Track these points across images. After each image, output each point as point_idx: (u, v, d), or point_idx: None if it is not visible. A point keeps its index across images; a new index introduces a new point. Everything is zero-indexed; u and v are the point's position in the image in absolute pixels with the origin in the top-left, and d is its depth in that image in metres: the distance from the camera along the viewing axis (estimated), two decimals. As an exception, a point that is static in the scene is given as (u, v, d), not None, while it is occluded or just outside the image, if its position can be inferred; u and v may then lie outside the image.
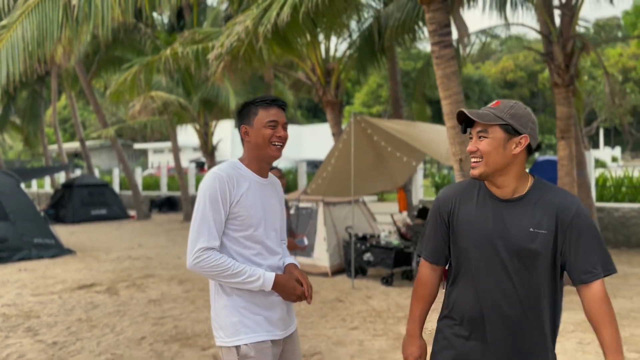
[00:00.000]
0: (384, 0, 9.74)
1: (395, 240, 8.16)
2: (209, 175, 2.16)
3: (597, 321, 1.82)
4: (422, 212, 8.92)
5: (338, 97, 10.33)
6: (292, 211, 8.35)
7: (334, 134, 10.38)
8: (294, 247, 3.60)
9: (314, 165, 26.93)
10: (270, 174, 2.35)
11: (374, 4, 9.93)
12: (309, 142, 38.75)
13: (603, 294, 1.82)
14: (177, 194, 20.79)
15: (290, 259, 2.36)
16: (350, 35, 10.73)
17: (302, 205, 8.62)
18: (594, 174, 10.81)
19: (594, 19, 65.57)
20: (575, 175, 7.22)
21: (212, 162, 13.96)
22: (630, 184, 11.54)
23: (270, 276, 2.13)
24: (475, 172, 1.85)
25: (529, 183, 1.89)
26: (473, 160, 1.86)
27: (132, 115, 12.41)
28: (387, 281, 7.68)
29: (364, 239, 8.39)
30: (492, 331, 1.87)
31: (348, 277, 8.01)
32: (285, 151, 2.37)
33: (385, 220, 10.28)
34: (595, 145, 46.63)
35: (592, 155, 10.76)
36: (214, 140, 14.18)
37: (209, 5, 12.72)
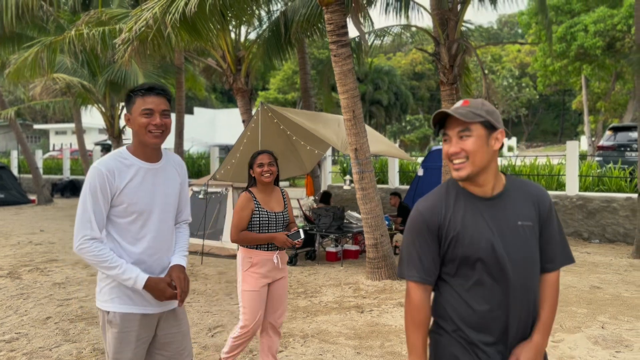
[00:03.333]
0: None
1: (300, 223, 8.68)
2: (90, 170, 2.28)
3: (542, 300, 1.88)
4: (324, 197, 9.52)
5: (248, 84, 10.61)
6: (200, 196, 8.61)
7: (244, 121, 10.67)
8: (287, 243, 3.51)
9: (227, 150, 26.92)
10: (165, 157, 2.44)
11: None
12: (223, 126, 38.46)
13: (556, 281, 1.91)
14: (80, 177, 20.05)
15: (178, 258, 2.46)
16: (260, 24, 11.01)
17: (211, 190, 8.89)
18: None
19: (497, 16, 70.01)
20: (457, 164, 8.08)
21: (119, 146, 13.71)
22: (514, 172, 12.87)
23: (143, 278, 2.27)
24: (462, 173, 1.78)
25: (503, 179, 1.88)
26: (456, 161, 1.78)
27: (32, 97, 11.90)
28: (291, 261, 8.20)
29: (270, 221, 8.82)
30: (510, 332, 1.82)
31: (254, 258, 8.41)
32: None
33: (294, 204, 10.80)
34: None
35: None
36: (122, 122, 13.91)
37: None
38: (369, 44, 9.69)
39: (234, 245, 8.64)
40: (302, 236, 3.59)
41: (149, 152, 2.34)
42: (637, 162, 8.46)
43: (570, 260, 1.92)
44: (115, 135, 13.53)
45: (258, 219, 3.60)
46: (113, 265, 2.24)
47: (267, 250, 3.63)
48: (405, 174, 13.88)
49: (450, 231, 1.82)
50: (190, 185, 9.75)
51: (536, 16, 23.37)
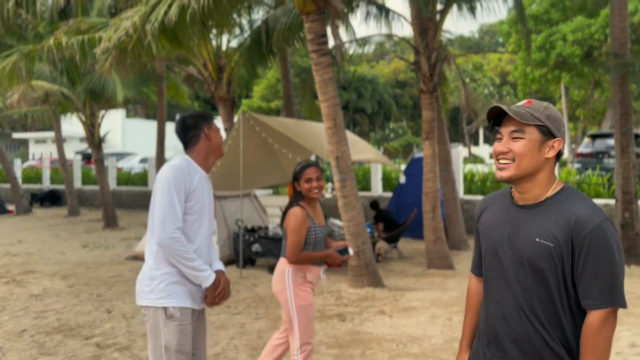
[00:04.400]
0: (274, 3, 10.15)
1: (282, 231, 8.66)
2: (171, 167, 2.55)
3: (582, 349, 1.65)
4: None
5: (230, 93, 10.59)
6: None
7: (226, 129, 10.64)
8: (336, 264, 3.35)
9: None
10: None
11: (264, 5, 10.29)
12: (206, 134, 38.20)
13: (596, 326, 1.61)
14: (60, 187, 19.76)
15: (219, 264, 2.80)
16: (242, 32, 11.01)
17: (192, 198, 8.82)
18: (461, 169, 12.05)
19: (478, 26, 71.03)
20: (437, 172, 8.15)
21: (99, 155, 13.56)
22: (493, 179, 13.01)
23: (213, 275, 2.59)
24: (504, 174, 1.71)
25: (554, 190, 1.73)
26: (502, 162, 1.71)
27: (10, 105, 11.73)
28: (274, 269, 8.15)
29: (252, 230, 8.79)
30: (504, 345, 1.76)
31: (237, 267, 8.38)
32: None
33: (277, 212, 10.77)
34: (476, 143, 50.76)
35: (459, 152, 11.99)
36: (102, 131, 13.78)
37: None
38: (351, 52, 9.76)
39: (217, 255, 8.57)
40: (351, 252, 3.53)
41: (210, 163, 2.73)
42: (614, 168, 8.61)
43: (612, 303, 1.62)
44: (95, 144, 13.39)
45: (314, 237, 3.44)
46: (194, 258, 2.49)
47: (318, 265, 3.53)
48: (388, 181, 13.94)
49: (479, 227, 1.91)
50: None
51: (516, 25, 23.71)
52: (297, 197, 3.49)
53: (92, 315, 5.94)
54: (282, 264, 3.50)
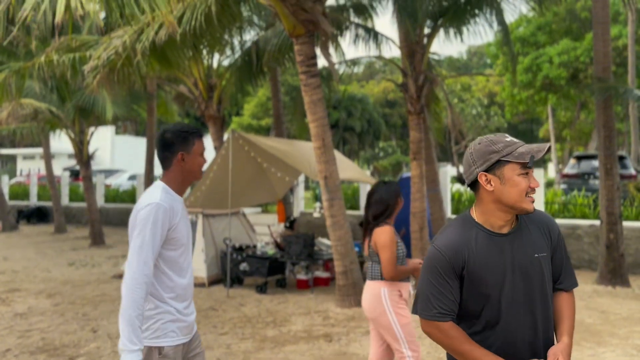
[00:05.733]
0: (265, 24, 10.30)
1: (270, 250, 8.65)
2: (152, 207, 2.34)
3: (562, 313, 2.00)
4: (292, 223, 9.54)
5: (220, 111, 10.66)
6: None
7: (215, 148, 10.67)
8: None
9: (199, 175, 26.70)
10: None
11: (255, 27, 10.43)
12: (196, 152, 38.15)
13: (572, 297, 2.04)
14: (48, 204, 19.59)
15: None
16: (233, 52, 11.11)
17: (180, 217, 8.80)
18: (449, 189, 12.14)
19: (467, 47, 72.09)
20: (425, 192, 8.23)
21: (87, 171, 13.51)
22: (481, 199, 13.12)
23: (137, 357, 2.24)
24: (534, 207, 1.90)
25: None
26: (532, 195, 1.87)
27: (-1, 121, 11.70)
28: (261, 289, 8.13)
29: (240, 249, 8.77)
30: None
31: (224, 286, 8.34)
32: None
33: (266, 231, 10.76)
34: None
35: (447, 172, 12.09)
36: (91, 148, 13.75)
37: (88, 12, 12.39)
38: (340, 72, 9.89)
39: (203, 274, 8.54)
40: None
41: (184, 188, 2.54)
42: (599, 189, 8.73)
43: (575, 283, 2.06)
44: (83, 161, 13.34)
45: (402, 251, 3.55)
46: (138, 323, 2.26)
47: (406, 281, 3.58)
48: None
49: (470, 272, 1.89)
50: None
51: (503, 47, 24.15)
52: (387, 214, 3.57)
53: (77, 335, 5.88)
54: (374, 287, 3.49)
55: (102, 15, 11.74)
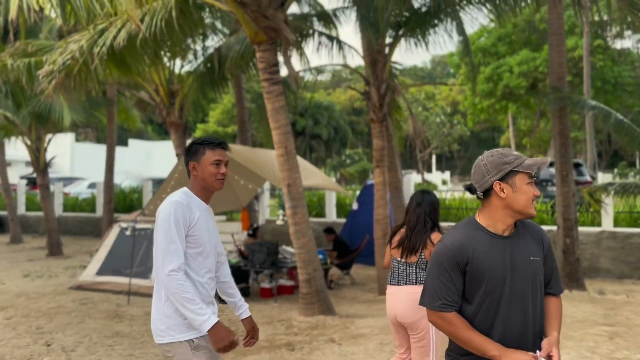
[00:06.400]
0: (228, 31, 10.23)
1: (233, 259, 8.54)
2: (171, 204, 2.53)
3: (551, 314, 2.23)
4: (255, 231, 9.46)
5: (182, 118, 10.51)
6: (128, 232, 8.32)
7: (177, 155, 10.51)
8: None
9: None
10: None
11: (218, 33, 10.35)
12: (159, 159, 37.57)
13: (560, 303, 2.28)
14: (3, 213, 18.88)
15: (246, 310, 2.92)
16: (195, 58, 10.99)
17: (139, 226, 8.61)
18: (413, 196, 12.25)
19: (431, 56, 73.37)
20: (387, 198, 8.29)
21: (45, 180, 13.08)
22: (444, 206, 13.30)
23: (214, 320, 2.47)
24: (536, 212, 2.16)
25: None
26: (535, 203, 2.11)
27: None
28: (223, 299, 8.00)
29: (202, 258, 8.63)
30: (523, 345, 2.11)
31: (186, 296, 8.17)
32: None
33: (229, 239, 10.63)
34: (429, 170, 51.95)
35: (411, 179, 12.24)
36: (49, 155, 13.33)
37: (46, 15, 12.08)
38: (305, 80, 9.89)
39: (164, 283, 8.35)
40: None
41: (208, 195, 2.69)
42: (556, 196, 8.97)
43: (562, 289, 2.32)
44: (40, 169, 12.93)
45: None
46: (194, 299, 2.44)
47: None
48: (342, 208, 14.02)
49: (474, 268, 2.09)
50: (117, 220, 9.42)
51: (465, 57, 24.71)
52: (435, 227, 3.69)
53: (30, 349, 5.66)
54: (418, 291, 3.46)
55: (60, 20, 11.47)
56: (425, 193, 3.81)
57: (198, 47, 10.46)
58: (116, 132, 14.43)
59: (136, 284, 8.35)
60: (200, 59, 10.53)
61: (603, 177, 11.09)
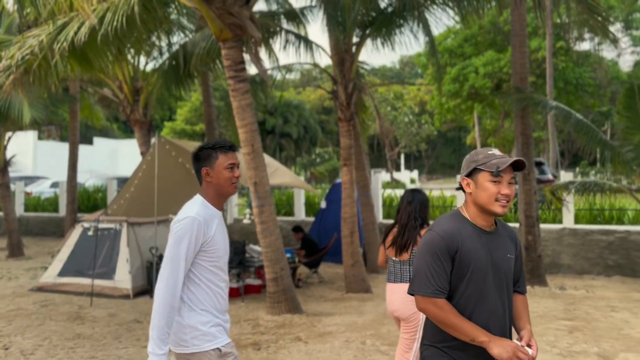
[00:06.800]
0: (194, 27, 10.08)
1: (199, 259, 8.43)
2: (189, 221, 2.46)
3: (522, 310, 2.37)
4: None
5: (147, 116, 10.32)
6: (90, 232, 8.13)
7: (142, 153, 10.32)
8: None
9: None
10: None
11: (183, 30, 10.19)
12: (125, 157, 36.87)
13: (526, 301, 2.43)
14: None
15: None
16: (160, 55, 10.80)
17: (102, 226, 8.42)
18: (380, 195, 12.37)
19: (399, 57, 74.04)
20: (355, 197, 8.33)
21: (5, 179, 12.66)
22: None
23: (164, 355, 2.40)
24: (506, 210, 2.18)
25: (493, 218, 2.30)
26: (503, 201, 2.17)
27: None
28: (190, 299, 7.91)
29: (168, 258, 8.50)
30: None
31: (151, 297, 8.05)
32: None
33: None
34: (398, 168, 52.47)
35: (379, 178, 12.32)
36: (9, 153, 12.91)
37: (5, 9, 11.69)
38: (275, 78, 9.84)
39: (127, 285, 8.21)
40: None
41: (222, 201, 2.64)
42: (518, 194, 9.17)
43: (526, 289, 2.46)
44: (0, 168, 12.51)
45: None
46: (167, 330, 2.41)
47: None
48: (311, 206, 14.03)
49: (461, 256, 2.19)
50: (79, 220, 9.19)
51: (432, 58, 25.03)
52: (426, 223, 3.85)
53: (-16, 355, 5.47)
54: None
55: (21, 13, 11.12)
56: (415, 192, 3.97)
57: (163, 44, 10.27)
58: (80, 130, 14.07)
59: (99, 285, 8.18)
60: (166, 56, 10.35)
61: (565, 176, 11.39)
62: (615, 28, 27.89)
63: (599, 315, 6.75)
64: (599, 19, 7.89)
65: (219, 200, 2.61)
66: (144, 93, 10.06)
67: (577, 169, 32.54)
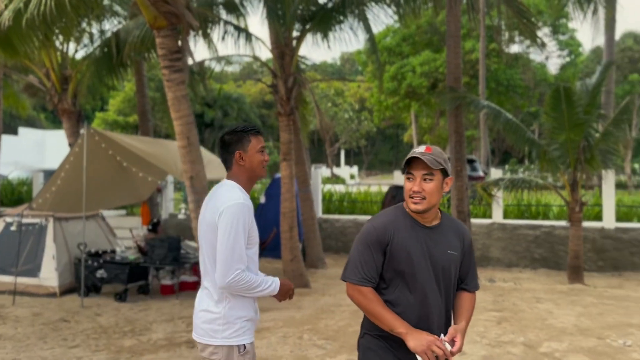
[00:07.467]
0: (128, 14, 9.68)
1: (131, 256, 8.14)
2: (237, 206, 2.44)
3: (463, 307, 2.36)
4: (156, 226, 9.10)
5: (76, 105, 9.82)
6: (13, 227, 7.65)
7: (70, 144, 9.83)
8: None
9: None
10: None
11: (116, 16, 9.77)
12: (53, 149, 34.99)
13: (474, 299, 2.42)
14: None
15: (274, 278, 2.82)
16: (91, 42, 10.30)
17: (27, 221, 7.95)
18: (320, 190, 12.42)
19: (340, 53, 74.54)
20: (294, 192, 8.31)
21: None
22: (350, 199, 13.61)
23: (277, 282, 2.59)
24: (419, 207, 2.20)
25: (439, 214, 2.33)
26: (417, 197, 2.19)
27: None
28: (121, 297, 7.62)
29: (97, 255, 8.15)
30: (431, 330, 2.24)
31: (79, 295, 7.69)
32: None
33: (129, 235, 10.12)
34: (338, 164, 52.94)
35: (318, 173, 12.36)
36: None
37: None
38: (213, 70, 9.62)
39: (54, 283, 7.80)
40: None
41: (252, 185, 2.63)
42: (451, 190, 9.47)
43: (478, 286, 2.46)
44: None
45: None
46: (259, 283, 2.50)
47: None
48: (251, 201, 13.86)
49: (392, 248, 2.21)
50: (1, 215, 8.64)
51: (372, 55, 25.38)
52: None
53: None
54: None
55: None
56: (399, 188, 3.99)
57: (94, 31, 9.79)
58: (4, 120, 13.19)
59: (22, 283, 7.72)
60: (97, 43, 9.87)
61: (495, 173, 11.89)
62: (543, 32, 29.37)
63: (525, 306, 7.09)
64: (528, 23, 8.26)
65: (249, 184, 2.61)
66: (73, 81, 9.55)
67: (507, 167, 34.10)
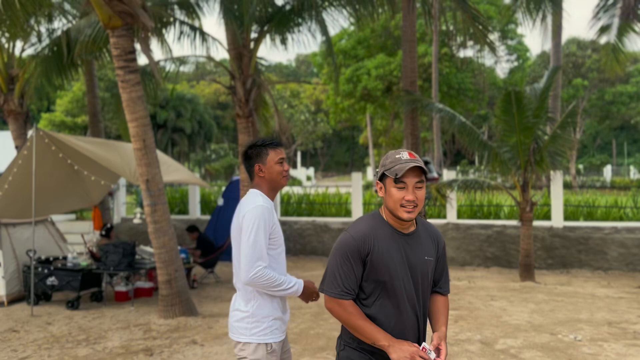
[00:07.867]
0: (79, 13, 9.35)
1: (83, 262, 7.87)
2: (258, 209, 2.60)
3: (439, 311, 2.36)
4: (109, 231, 8.84)
5: (23, 106, 9.41)
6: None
7: (17, 147, 9.41)
8: None
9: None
10: None
11: (67, 15, 9.42)
12: (-4, 152, 33.37)
13: (447, 302, 2.42)
14: None
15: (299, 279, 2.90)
16: (40, 41, 9.89)
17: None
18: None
19: (296, 55, 74.59)
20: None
21: None
22: (308, 201, 13.63)
23: (302, 282, 2.74)
24: (412, 215, 2.14)
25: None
26: (410, 206, 2.11)
27: None
28: (73, 305, 7.36)
29: (47, 261, 7.84)
30: (407, 337, 2.23)
31: (28, 304, 7.37)
32: None
33: (80, 240, 9.78)
34: (294, 166, 52.90)
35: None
36: None
37: None
38: (167, 70, 9.41)
39: (2, 291, 7.46)
40: None
41: (274, 194, 2.78)
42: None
43: (449, 289, 2.47)
44: None
45: None
46: (282, 282, 2.64)
47: None
48: (207, 204, 13.68)
49: (372, 258, 2.16)
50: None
51: (327, 58, 25.49)
52: None
53: None
54: None
55: None
56: None
57: (43, 29, 9.40)
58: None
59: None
60: (46, 42, 9.48)
61: (448, 174, 12.18)
62: (493, 37, 30.33)
63: (480, 304, 7.29)
64: (480, 27, 8.51)
65: (272, 193, 2.77)
66: (20, 81, 9.15)
67: (458, 168, 34.97)
